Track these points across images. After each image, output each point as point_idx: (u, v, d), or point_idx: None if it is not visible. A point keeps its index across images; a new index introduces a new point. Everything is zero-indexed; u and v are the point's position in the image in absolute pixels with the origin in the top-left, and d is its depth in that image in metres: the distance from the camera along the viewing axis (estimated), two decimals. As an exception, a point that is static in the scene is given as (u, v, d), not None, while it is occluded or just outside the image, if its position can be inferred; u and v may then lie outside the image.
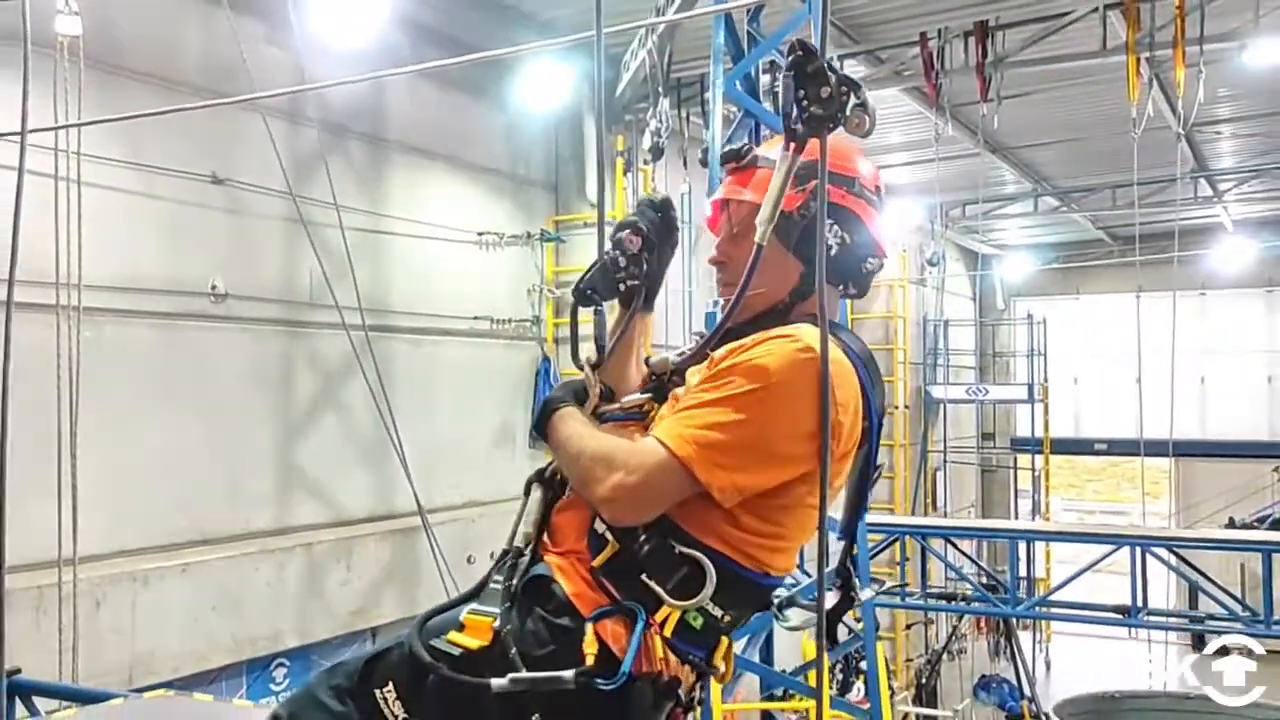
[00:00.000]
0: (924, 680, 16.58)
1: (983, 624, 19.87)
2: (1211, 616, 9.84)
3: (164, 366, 7.33)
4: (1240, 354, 20.96)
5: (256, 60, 7.10)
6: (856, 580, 2.10)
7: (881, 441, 2.08)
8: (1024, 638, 17.78)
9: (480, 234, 10.07)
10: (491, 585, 1.96)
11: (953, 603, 11.02)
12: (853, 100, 1.71)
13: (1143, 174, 12.09)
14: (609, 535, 1.89)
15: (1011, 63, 9.97)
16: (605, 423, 2.04)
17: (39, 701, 4.47)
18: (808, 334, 1.88)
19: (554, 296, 10.90)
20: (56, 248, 5.74)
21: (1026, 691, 16.10)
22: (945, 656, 17.63)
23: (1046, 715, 14.59)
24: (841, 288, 2.11)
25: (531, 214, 10.76)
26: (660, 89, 8.92)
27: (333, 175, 7.65)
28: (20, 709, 4.26)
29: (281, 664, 8.07)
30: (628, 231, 2.11)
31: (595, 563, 1.90)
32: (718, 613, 1.89)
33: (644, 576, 1.86)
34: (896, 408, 17.23)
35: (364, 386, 8.30)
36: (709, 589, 1.85)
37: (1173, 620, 11.53)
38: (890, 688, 10.84)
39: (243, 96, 6.50)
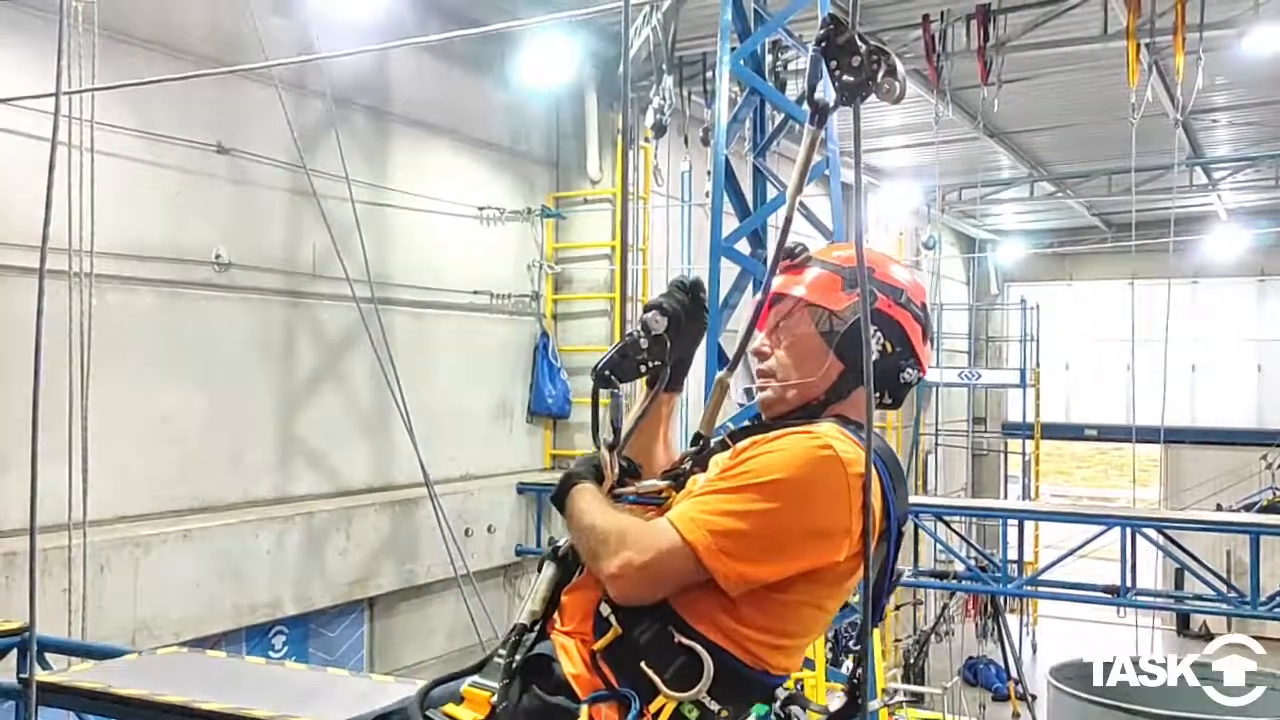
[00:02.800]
0: (912, 660, 16.74)
1: (971, 606, 20.07)
2: (1199, 597, 9.96)
3: (167, 334, 7.37)
4: (1231, 343, 21.11)
5: (263, 30, 7.12)
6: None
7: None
8: (1011, 621, 17.94)
9: (481, 209, 10.11)
10: (495, 660, 1.98)
11: (944, 580, 11.13)
12: (883, 68, 1.74)
13: (1139, 161, 12.16)
14: (613, 619, 1.89)
15: (1013, 46, 10.02)
16: (621, 504, 2.05)
17: (50, 659, 4.54)
18: (828, 433, 1.92)
19: (553, 273, 10.96)
20: (70, 214, 5.76)
21: (1013, 673, 16.29)
22: (933, 637, 17.81)
23: (1033, 696, 14.78)
24: (877, 396, 2.08)
25: (532, 190, 10.80)
26: (664, 66, 8.93)
27: (336, 147, 7.67)
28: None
29: (280, 631, 8.14)
30: (654, 312, 2.13)
31: (596, 646, 1.90)
32: (714, 707, 1.87)
33: (642, 664, 1.86)
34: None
35: (365, 358, 8.36)
36: (705, 681, 1.85)
37: (1161, 600, 11.63)
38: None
39: (248, 66, 6.52)
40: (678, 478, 2.06)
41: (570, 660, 1.93)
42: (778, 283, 2.17)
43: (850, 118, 1.77)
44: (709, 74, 10.17)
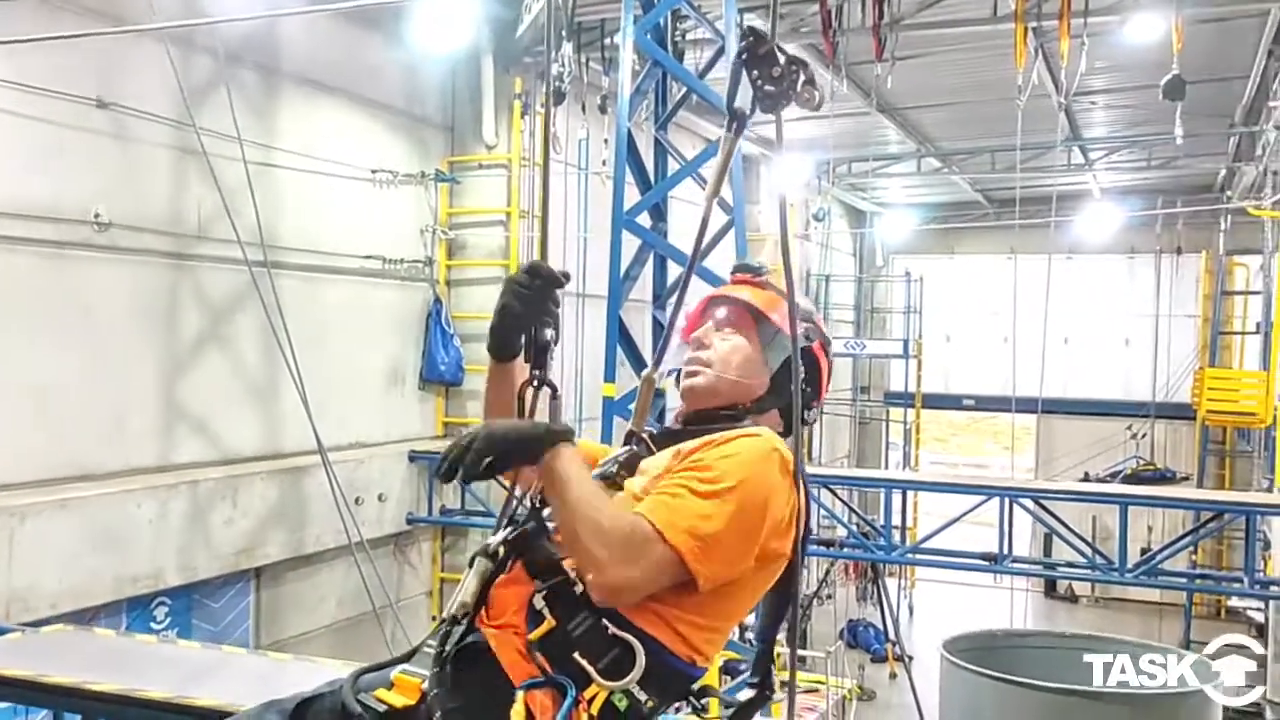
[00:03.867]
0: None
1: (851, 571, 20.58)
2: (1070, 564, 10.40)
3: (44, 296, 7.08)
4: (1101, 317, 21.91)
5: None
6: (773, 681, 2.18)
7: None
8: (890, 584, 18.46)
9: (374, 171, 9.90)
10: (425, 649, 1.99)
11: (829, 548, 11.39)
12: (802, 78, 1.83)
13: (1023, 140, 12.51)
14: (547, 612, 1.93)
15: (906, 25, 10.19)
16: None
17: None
18: (769, 434, 2.06)
19: (447, 238, 10.81)
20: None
21: (891, 635, 16.79)
22: (816, 601, 18.23)
23: (910, 657, 15.28)
24: (781, 425, 2.21)
25: (427, 153, 10.62)
26: (564, 32, 8.84)
27: (223, 104, 7.42)
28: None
29: (163, 603, 7.93)
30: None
31: (531, 636, 1.93)
32: (642, 697, 1.93)
33: (576, 654, 1.90)
34: (778, 360, 17.54)
35: (252, 323, 8.16)
36: (637, 672, 1.90)
37: (1036, 566, 12.11)
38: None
39: (136, 28, 6.26)
40: (605, 476, 2.08)
41: (503, 650, 1.95)
42: (740, 290, 2.27)
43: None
44: (607, 40, 10.12)
